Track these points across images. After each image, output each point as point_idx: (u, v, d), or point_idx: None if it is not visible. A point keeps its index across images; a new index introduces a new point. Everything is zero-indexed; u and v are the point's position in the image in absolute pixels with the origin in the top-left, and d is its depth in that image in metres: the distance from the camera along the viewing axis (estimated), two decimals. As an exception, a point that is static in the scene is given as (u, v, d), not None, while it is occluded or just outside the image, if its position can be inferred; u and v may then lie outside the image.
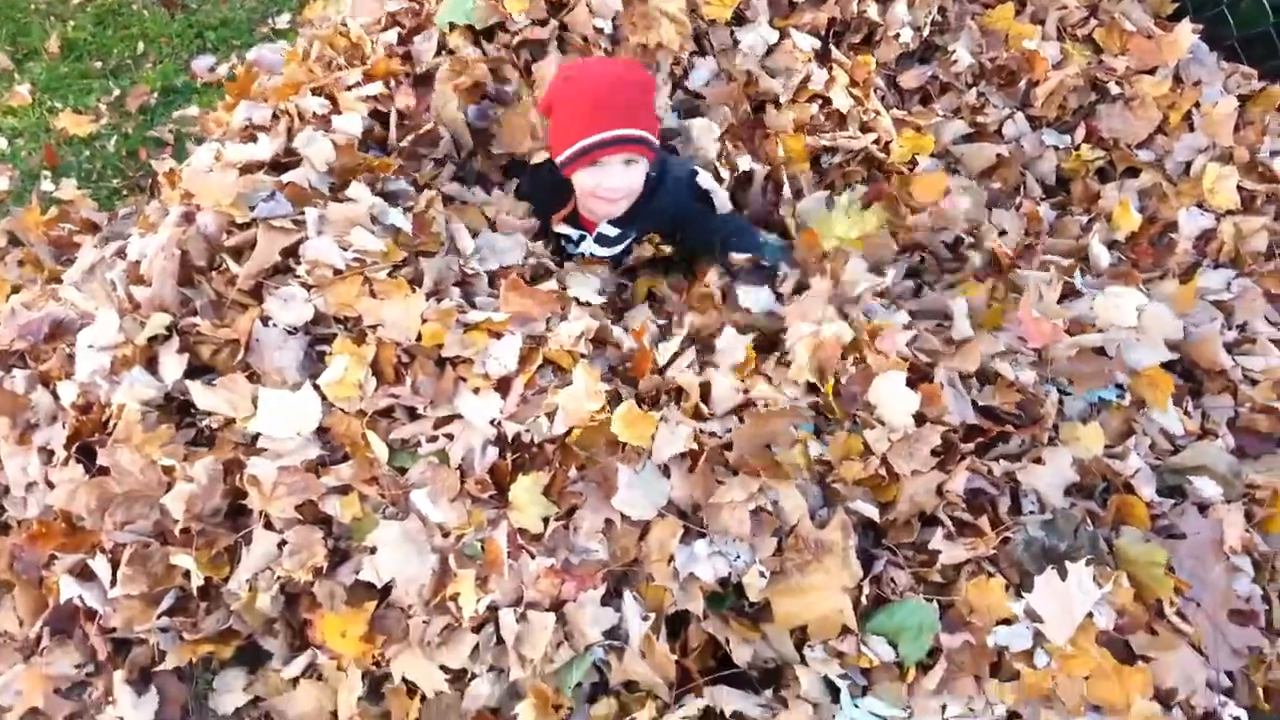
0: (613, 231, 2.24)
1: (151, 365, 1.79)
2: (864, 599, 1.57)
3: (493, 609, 1.55)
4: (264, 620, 1.61)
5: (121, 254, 2.02)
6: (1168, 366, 1.95)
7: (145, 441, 1.68)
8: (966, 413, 1.74)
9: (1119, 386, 1.90)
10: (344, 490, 1.63)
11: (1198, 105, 2.57)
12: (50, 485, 1.74)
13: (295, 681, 1.63)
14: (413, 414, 1.71)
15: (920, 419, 1.69)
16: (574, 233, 2.28)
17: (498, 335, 1.77)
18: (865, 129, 2.54)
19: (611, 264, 2.32)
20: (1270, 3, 2.77)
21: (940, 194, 2.30)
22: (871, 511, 1.63)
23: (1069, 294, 2.07)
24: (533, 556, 1.57)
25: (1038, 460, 1.71)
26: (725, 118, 2.52)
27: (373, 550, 1.58)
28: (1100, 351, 1.93)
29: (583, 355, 1.77)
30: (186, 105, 3.10)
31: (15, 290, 2.32)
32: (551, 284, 1.97)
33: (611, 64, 2.25)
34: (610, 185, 2.07)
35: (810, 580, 1.56)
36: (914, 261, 2.27)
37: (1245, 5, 2.81)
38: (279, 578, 1.58)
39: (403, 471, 1.66)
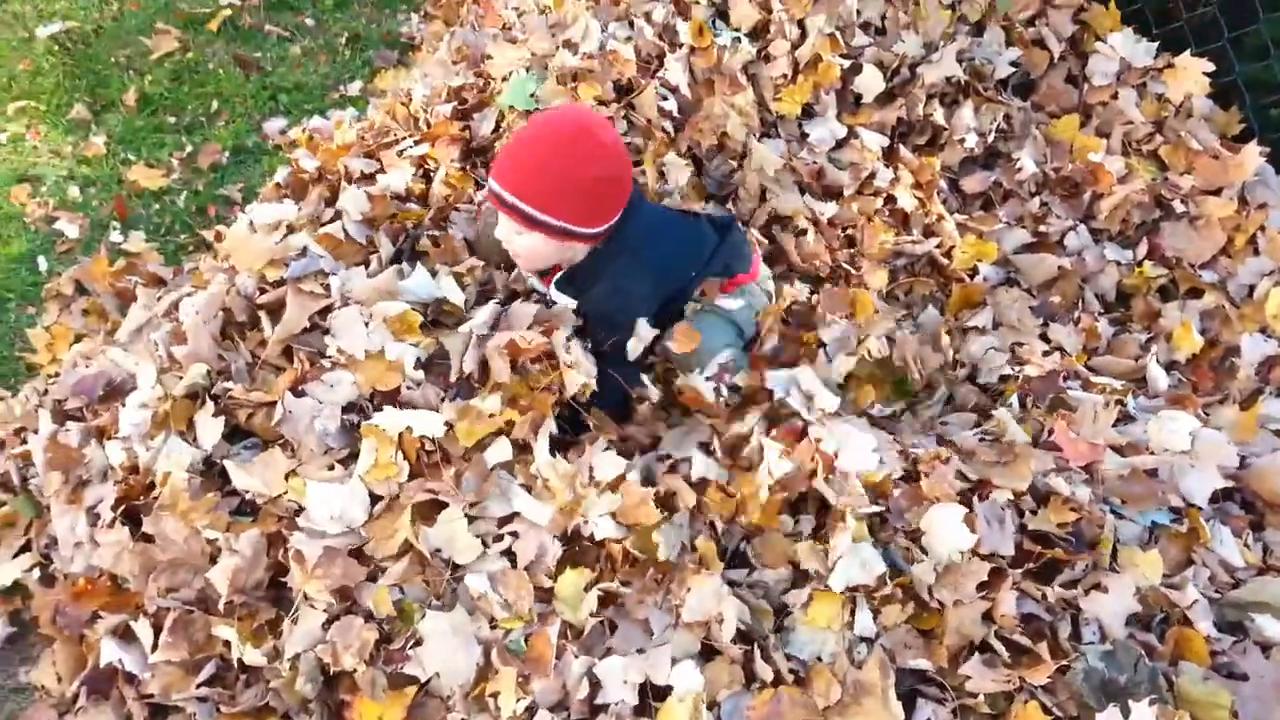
0: (560, 299, 2.01)
1: (190, 428, 1.81)
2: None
3: (531, 711, 1.52)
4: (301, 700, 1.59)
5: (171, 312, 2.06)
6: (1226, 495, 1.92)
7: (189, 510, 1.69)
8: (1004, 545, 1.70)
9: (1174, 510, 1.86)
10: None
11: (1263, 228, 2.55)
12: (96, 544, 1.75)
13: (331, 760, 1.61)
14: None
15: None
16: (538, 285, 2.12)
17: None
18: (928, 232, 2.55)
19: None
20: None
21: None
22: (921, 664, 1.58)
23: (1121, 419, 2.04)
24: (576, 656, 1.55)
25: (1097, 587, 1.67)
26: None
27: (418, 642, 1.56)
28: (1152, 474, 1.89)
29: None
30: (256, 165, 3.16)
31: (79, 339, 2.38)
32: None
33: (552, 120, 1.88)
34: (503, 238, 1.94)
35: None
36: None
37: (1313, 130, 2.80)
38: (322, 661, 1.56)
39: (453, 567, 1.64)
